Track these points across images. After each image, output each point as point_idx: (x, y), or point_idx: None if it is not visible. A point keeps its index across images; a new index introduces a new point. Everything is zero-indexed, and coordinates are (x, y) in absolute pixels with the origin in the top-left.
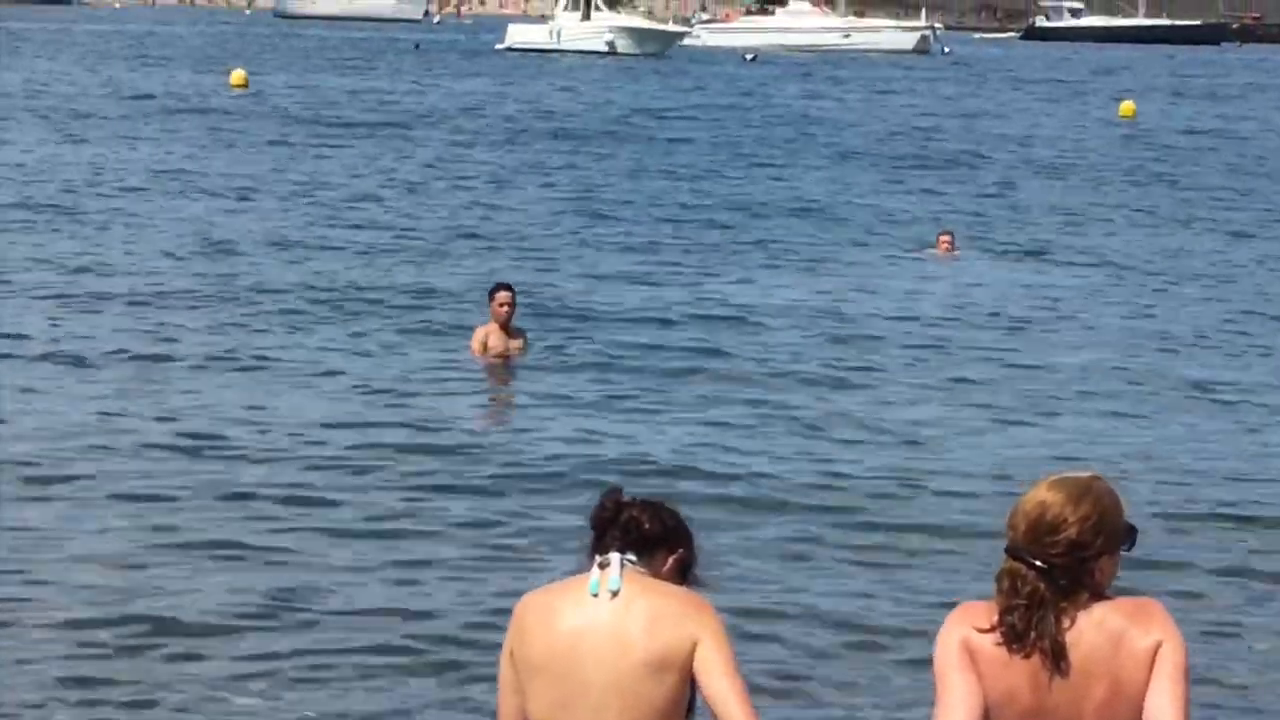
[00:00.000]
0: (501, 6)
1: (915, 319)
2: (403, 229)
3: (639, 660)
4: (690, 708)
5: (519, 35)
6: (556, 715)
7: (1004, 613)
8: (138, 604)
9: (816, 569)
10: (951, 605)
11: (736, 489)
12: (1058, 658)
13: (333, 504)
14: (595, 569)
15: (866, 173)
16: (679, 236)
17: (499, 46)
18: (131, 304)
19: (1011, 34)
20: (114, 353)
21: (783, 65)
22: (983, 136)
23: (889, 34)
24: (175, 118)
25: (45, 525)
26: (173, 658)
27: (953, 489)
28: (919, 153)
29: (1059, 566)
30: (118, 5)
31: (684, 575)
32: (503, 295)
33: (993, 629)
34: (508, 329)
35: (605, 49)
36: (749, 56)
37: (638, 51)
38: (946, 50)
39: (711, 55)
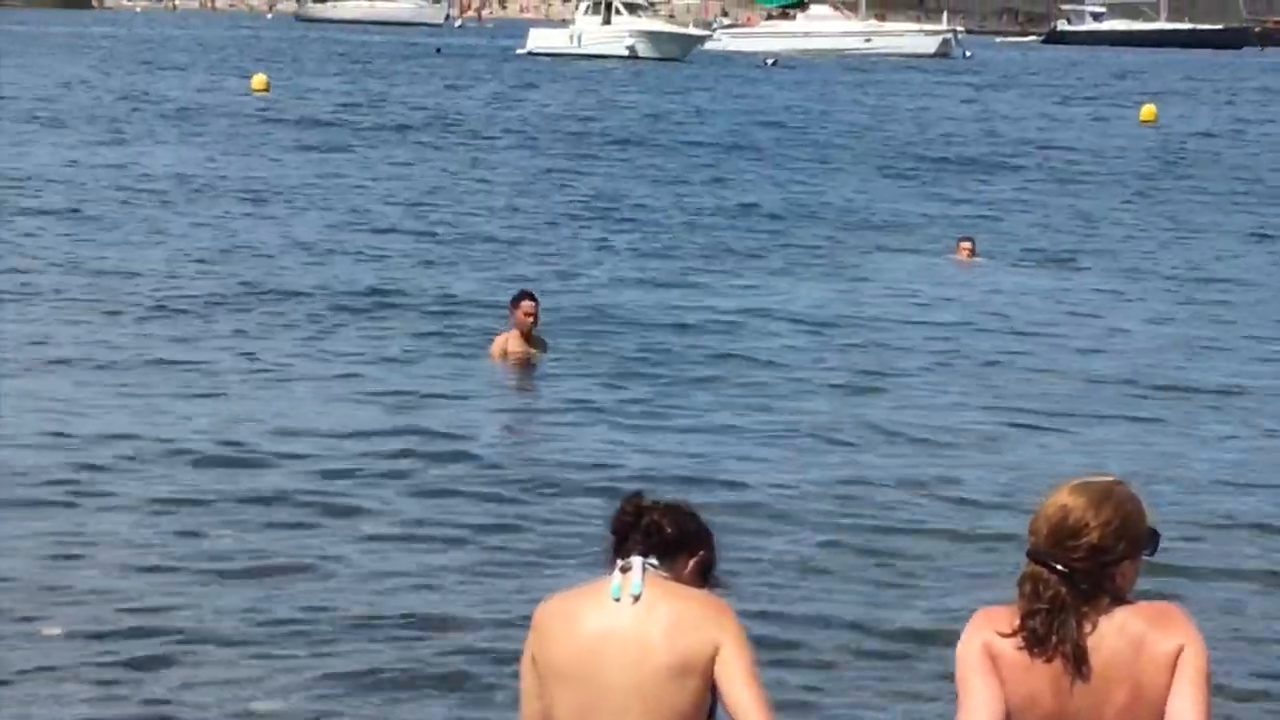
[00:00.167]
0: (522, 10)
1: (935, 325)
2: (423, 233)
3: (660, 665)
4: (712, 712)
5: (540, 40)
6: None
7: (1025, 617)
8: (158, 611)
9: (835, 576)
10: (972, 611)
11: (755, 496)
12: (1079, 662)
13: (353, 512)
14: (616, 573)
15: (887, 178)
16: (697, 241)
17: (520, 51)
18: (153, 310)
19: (1033, 38)
20: (135, 359)
21: (804, 69)
22: (1003, 141)
23: (910, 38)
24: (197, 122)
25: (68, 533)
26: (194, 664)
27: (973, 496)
28: (939, 158)
29: (1080, 571)
30: (138, 10)
31: (705, 577)
32: (528, 304)
33: (1014, 633)
34: (529, 337)
35: (626, 53)
36: (770, 61)
37: (658, 56)
38: (968, 54)
39: (732, 59)
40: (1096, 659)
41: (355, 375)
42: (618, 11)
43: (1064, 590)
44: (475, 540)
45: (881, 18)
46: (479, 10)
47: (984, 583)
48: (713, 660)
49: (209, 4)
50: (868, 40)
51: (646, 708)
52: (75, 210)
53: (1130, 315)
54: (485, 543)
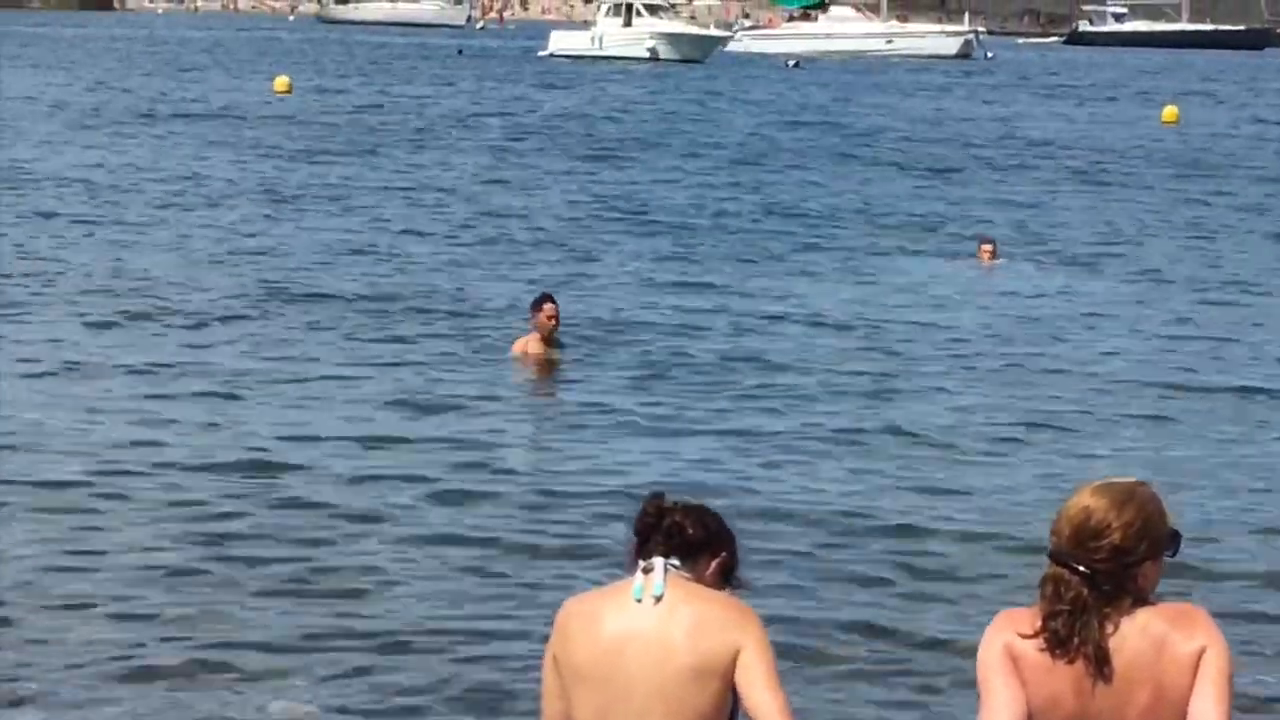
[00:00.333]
0: (544, 12)
1: (956, 328)
2: (444, 236)
3: (682, 666)
4: (733, 716)
5: (561, 42)
6: None
7: (1047, 618)
8: (179, 622)
9: (855, 582)
10: (993, 614)
11: (774, 501)
12: (1101, 663)
13: (374, 518)
14: (639, 574)
15: (907, 179)
16: (717, 244)
17: (542, 53)
18: (174, 314)
19: (1054, 39)
20: (155, 364)
21: (825, 71)
22: (1024, 142)
23: (932, 40)
24: (220, 124)
25: (89, 539)
26: (218, 670)
27: (994, 500)
28: (960, 159)
29: (1102, 572)
30: (160, 11)
31: (727, 579)
32: (550, 307)
33: (1036, 635)
34: (549, 339)
35: (647, 55)
36: (791, 62)
37: (679, 58)
38: (989, 55)
39: (754, 61)
40: (1118, 660)
41: (376, 380)
42: (638, 13)
43: (1086, 591)
44: (496, 547)
45: (903, 19)
46: (500, 12)
47: (1005, 586)
48: (734, 663)
49: (231, 6)
50: (889, 42)
51: (668, 709)
52: (96, 212)
53: (1152, 317)
54: (507, 550)
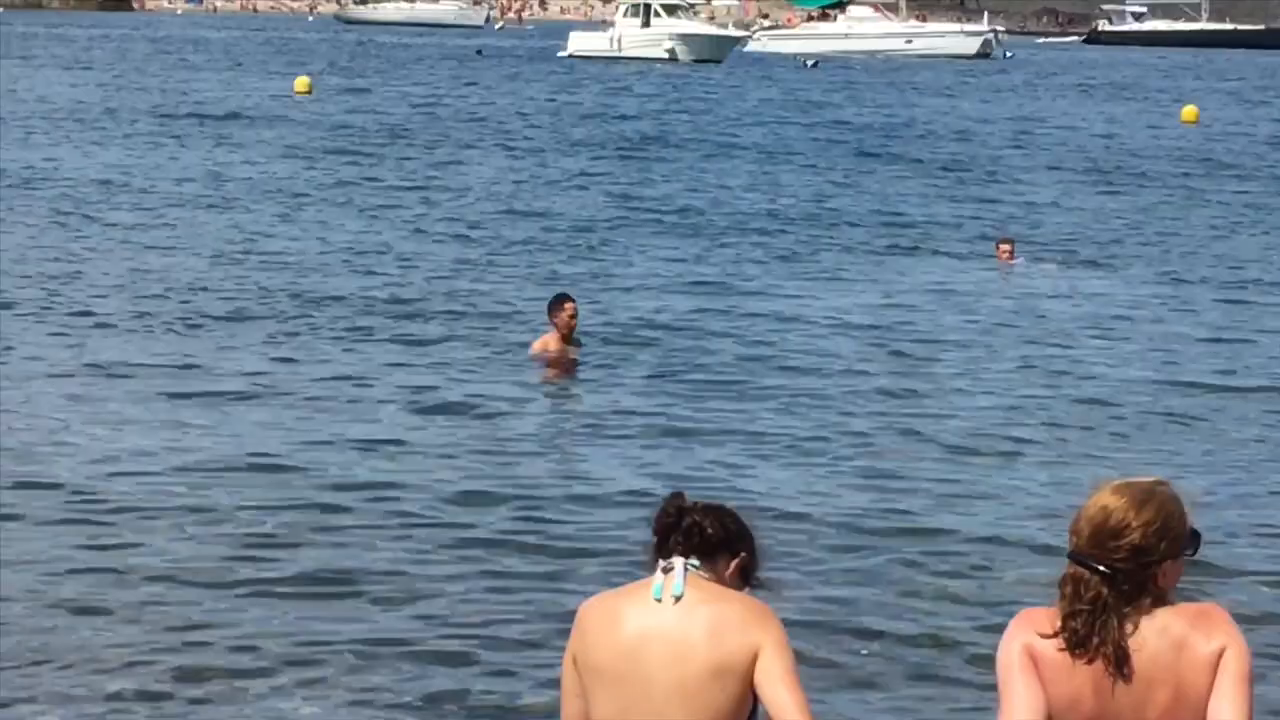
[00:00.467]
0: (563, 12)
1: (974, 329)
2: (461, 236)
3: (701, 666)
4: (753, 715)
5: (580, 43)
6: (619, 719)
7: (1067, 618)
8: (202, 628)
9: (878, 584)
10: (1011, 615)
11: (793, 505)
12: (1121, 663)
13: (394, 523)
14: (659, 573)
15: (925, 179)
16: (734, 244)
17: (561, 54)
18: (189, 318)
19: (1074, 38)
20: (175, 368)
21: (844, 70)
22: (1043, 141)
23: (951, 39)
24: (239, 125)
25: (111, 546)
26: (238, 676)
27: (1011, 500)
28: (979, 158)
29: (1122, 571)
30: (179, 11)
31: (746, 579)
32: (571, 305)
33: (1055, 634)
34: (568, 338)
35: (665, 55)
36: (810, 62)
37: (697, 58)
38: (1009, 55)
39: (772, 61)
40: (1138, 660)
41: (395, 382)
42: (657, 14)
43: (1105, 591)
44: (517, 549)
45: (922, 18)
46: (519, 12)
47: (1025, 587)
48: (753, 663)
49: (250, 6)
50: (908, 41)
51: (687, 708)
52: (114, 214)
53: (1171, 317)
54: (529, 552)
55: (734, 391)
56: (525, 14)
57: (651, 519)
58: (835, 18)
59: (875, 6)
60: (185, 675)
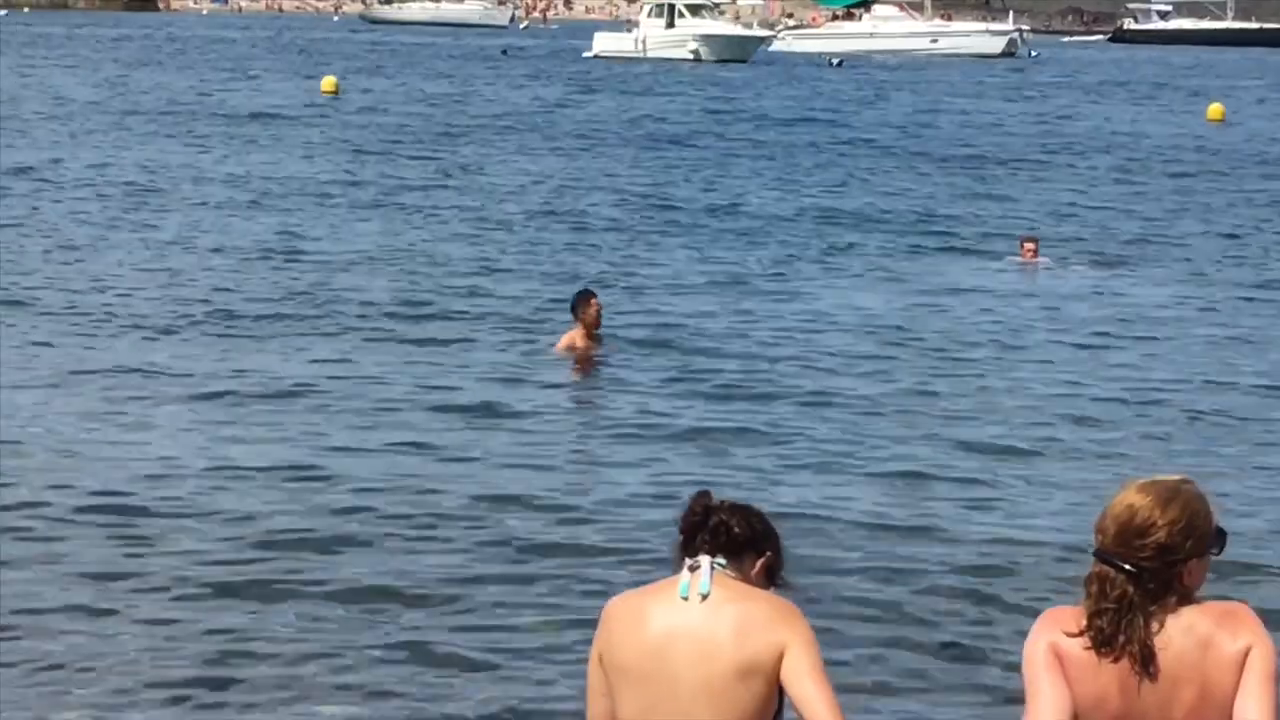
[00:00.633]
0: (588, 11)
1: (998, 329)
2: (483, 236)
3: (727, 665)
4: (779, 714)
5: (605, 44)
6: (645, 718)
7: (1092, 616)
8: (223, 634)
9: (903, 585)
10: (1037, 614)
11: (818, 506)
12: (1147, 662)
13: (416, 530)
14: (685, 572)
15: (950, 178)
16: (758, 245)
17: (587, 54)
18: (213, 322)
19: (1099, 37)
20: (196, 377)
21: (869, 70)
22: (1068, 140)
23: (976, 38)
24: (267, 125)
25: (132, 553)
26: (258, 687)
27: (1040, 501)
28: (1003, 157)
29: (1148, 570)
30: (204, 11)
31: (771, 579)
32: (596, 301)
33: (1081, 633)
34: (593, 335)
35: (690, 56)
36: (835, 61)
37: (722, 58)
38: (1034, 54)
39: (797, 60)
40: (1164, 659)
41: (421, 384)
42: (681, 15)
43: (1131, 589)
44: (544, 553)
45: (947, 17)
46: (544, 11)
47: (1050, 587)
48: (779, 662)
49: (275, 6)
50: (933, 40)
51: (713, 707)
52: (138, 216)
53: (1196, 317)
54: (556, 554)
55: (759, 392)
56: (550, 14)
57: (678, 518)
58: (860, 17)
59: (900, 6)
60: (216, 683)
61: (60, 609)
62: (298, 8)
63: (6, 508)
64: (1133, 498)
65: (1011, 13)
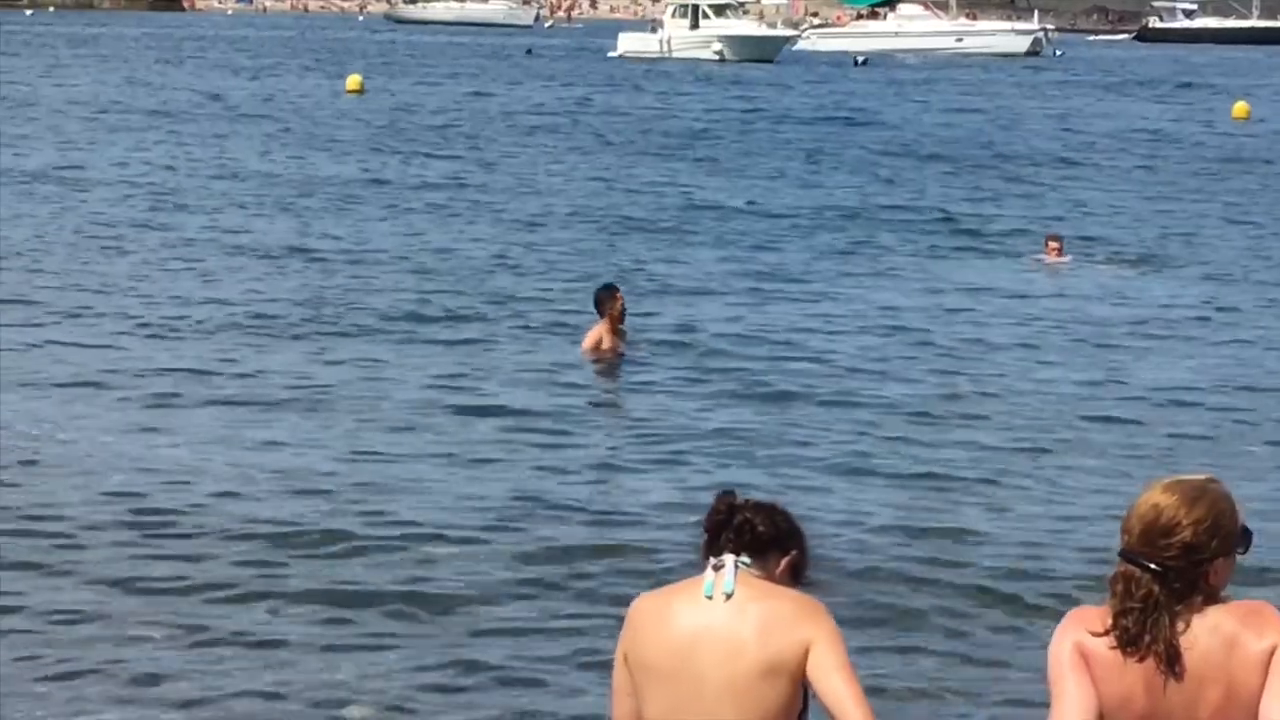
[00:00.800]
0: (613, 10)
1: (1024, 327)
2: (505, 235)
3: (752, 663)
4: (804, 712)
5: (630, 44)
6: (670, 717)
7: (1118, 616)
8: (247, 639)
9: (926, 586)
10: (1062, 614)
11: (842, 506)
12: (1172, 661)
13: (440, 537)
14: (710, 570)
15: (974, 177)
16: (783, 245)
17: (611, 54)
18: (234, 325)
19: (1124, 36)
20: (214, 380)
21: (894, 69)
22: (1092, 138)
23: (1001, 37)
24: (292, 123)
25: (150, 558)
26: (281, 692)
27: (1065, 502)
28: (1028, 155)
29: (1173, 569)
30: (229, 11)
31: (797, 577)
32: (621, 296)
33: (1106, 633)
34: (617, 330)
35: (715, 56)
36: (859, 60)
37: (746, 58)
38: (1059, 53)
39: (821, 59)
40: (1190, 658)
41: (447, 388)
42: (705, 15)
43: (1156, 589)
44: (570, 555)
45: (972, 17)
46: (569, 11)
47: (1079, 586)
48: (804, 660)
49: (300, 5)
50: (958, 40)
51: (738, 706)
52: (160, 217)
53: (1220, 317)
54: (579, 557)
55: (782, 392)
56: (574, 13)
57: (703, 517)
58: (885, 16)
59: (925, 5)
60: (239, 688)
61: (80, 613)
62: (322, 7)
63: (29, 515)
64: (1158, 497)
65: (1036, 11)
